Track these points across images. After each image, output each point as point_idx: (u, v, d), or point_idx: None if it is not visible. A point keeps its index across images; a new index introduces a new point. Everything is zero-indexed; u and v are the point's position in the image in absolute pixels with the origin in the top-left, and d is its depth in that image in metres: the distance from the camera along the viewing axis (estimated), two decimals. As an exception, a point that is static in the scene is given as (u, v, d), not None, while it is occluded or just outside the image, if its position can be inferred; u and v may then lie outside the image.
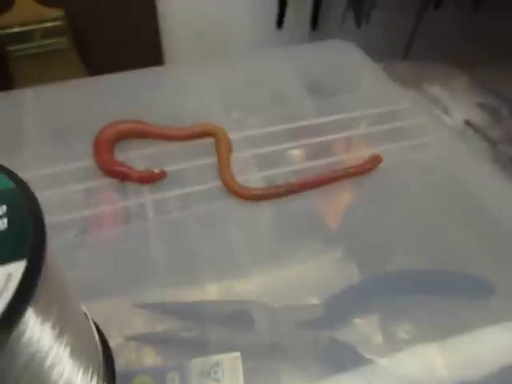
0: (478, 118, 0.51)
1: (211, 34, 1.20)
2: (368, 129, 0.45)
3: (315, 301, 0.32)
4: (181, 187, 0.38)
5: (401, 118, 0.46)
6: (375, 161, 0.40)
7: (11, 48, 1.00)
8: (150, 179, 0.38)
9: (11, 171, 0.18)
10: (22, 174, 0.18)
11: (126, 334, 0.30)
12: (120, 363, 0.26)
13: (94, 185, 0.38)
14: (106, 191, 0.38)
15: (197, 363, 0.27)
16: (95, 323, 0.25)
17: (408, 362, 0.29)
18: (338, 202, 0.40)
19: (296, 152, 0.43)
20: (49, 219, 0.16)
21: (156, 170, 0.38)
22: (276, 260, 0.35)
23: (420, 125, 0.45)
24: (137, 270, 0.34)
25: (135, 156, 0.40)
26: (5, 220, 0.16)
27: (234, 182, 0.37)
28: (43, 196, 0.18)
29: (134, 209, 0.37)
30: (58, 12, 1.00)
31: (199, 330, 0.31)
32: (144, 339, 0.30)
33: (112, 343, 0.26)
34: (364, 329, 0.31)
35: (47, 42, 1.02)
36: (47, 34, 1.01)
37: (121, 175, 0.38)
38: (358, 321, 0.31)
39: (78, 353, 0.18)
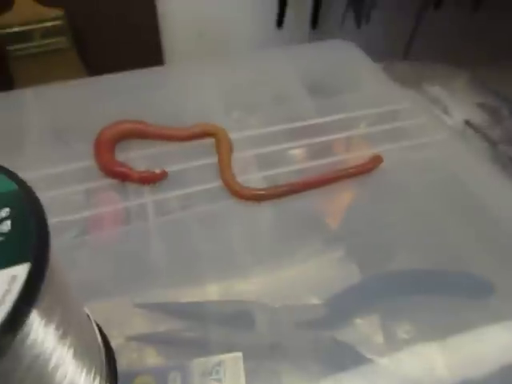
0: (478, 118, 0.51)
1: (211, 33, 1.20)
2: (368, 129, 0.45)
3: (316, 301, 0.32)
4: (181, 187, 0.38)
5: (401, 117, 0.46)
6: (376, 161, 0.40)
7: (11, 48, 1.00)
8: (151, 180, 0.38)
9: (13, 173, 0.18)
10: (22, 175, 0.18)
11: (127, 334, 0.30)
12: (122, 363, 0.26)
13: (94, 185, 0.38)
14: (107, 192, 0.38)
15: (198, 363, 0.28)
16: (97, 324, 0.25)
17: (408, 362, 0.29)
18: (339, 201, 0.40)
19: (297, 152, 0.43)
20: (49, 220, 0.16)
21: (157, 171, 0.38)
22: (276, 260, 0.35)
23: (420, 125, 0.45)
24: (137, 271, 0.34)
25: (136, 156, 0.40)
26: (8, 222, 0.16)
27: (235, 182, 0.37)
28: (43, 196, 0.18)
29: (135, 209, 0.37)
30: (57, 12, 1.00)
31: (200, 330, 0.31)
32: (145, 339, 0.30)
33: (113, 343, 0.26)
34: (364, 329, 0.31)
35: (47, 41, 1.02)
36: (47, 33, 1.01)
37: (121, 176, 0.38)
38: (358, 321, 0.32)
39: (81, 354, 0.18)
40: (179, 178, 0.38)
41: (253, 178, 0.39)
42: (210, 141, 0.41)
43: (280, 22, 1.20)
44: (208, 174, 0.39)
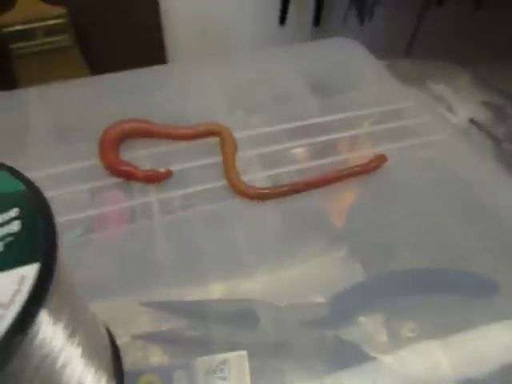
0: (483, 116, 0.51)
1: (214, 31, 1.19)
2: (372, 127, 0.45)
3: (320, 299, 0.32)
4: (186, 186, 0.38)
5: (405, 116, 0.45)
6: (380, 160, 0.40)
7: (14, 46, 1.00)
8: (156, 178, 0.38)
9: (20, 173, 0.18)
10: (26, 174, 0.19)
11: (133, 332, 0.30)
12: (127, 362, 0.27)
13: (99, 184, 0.38)
14: (112, 190, 0.38)
15: (203, 362, 0.28)
16: (104, 323, 0.25)
17: (412, 360, 0.29)
18: (343, 200, 0.40)
19: (300, 151, 0.43)
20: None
21: (161, 170, 0.38)
22: (281, 259, 0.35)
23: (424, 123, 0.45)
24: (142, 269, 0.34)
25: (140, 155, 0.40)
26: (18, 222, 0.16)
27: (240, 182, 0.37)
28: (48, 196, 0.18)
29: (140, 208, 0.37)
30: (60, 10, 1.00)
31: (205, 328, 0.31)
32: (150, 338, 0.30)
33: (119, 342, 0.26)
34: (368, 327, 0.31)
35: (50, 39, 1.01)
36: (50, 31, 1.01)
37: (126, 174, 0.38)
38: (362, 319, 0.32)
39: (88, 353, 0.18)
40: (184, 177, 0.38)
41: (257, 178, 0.39)
42: (214, 140, 0.41)
43: (283, 19, 1.19)
44: (213, 173, 0.39)
